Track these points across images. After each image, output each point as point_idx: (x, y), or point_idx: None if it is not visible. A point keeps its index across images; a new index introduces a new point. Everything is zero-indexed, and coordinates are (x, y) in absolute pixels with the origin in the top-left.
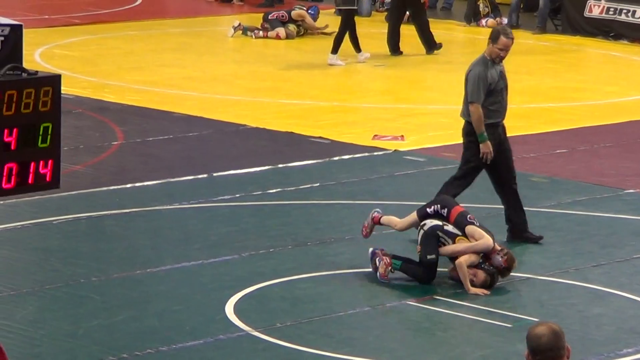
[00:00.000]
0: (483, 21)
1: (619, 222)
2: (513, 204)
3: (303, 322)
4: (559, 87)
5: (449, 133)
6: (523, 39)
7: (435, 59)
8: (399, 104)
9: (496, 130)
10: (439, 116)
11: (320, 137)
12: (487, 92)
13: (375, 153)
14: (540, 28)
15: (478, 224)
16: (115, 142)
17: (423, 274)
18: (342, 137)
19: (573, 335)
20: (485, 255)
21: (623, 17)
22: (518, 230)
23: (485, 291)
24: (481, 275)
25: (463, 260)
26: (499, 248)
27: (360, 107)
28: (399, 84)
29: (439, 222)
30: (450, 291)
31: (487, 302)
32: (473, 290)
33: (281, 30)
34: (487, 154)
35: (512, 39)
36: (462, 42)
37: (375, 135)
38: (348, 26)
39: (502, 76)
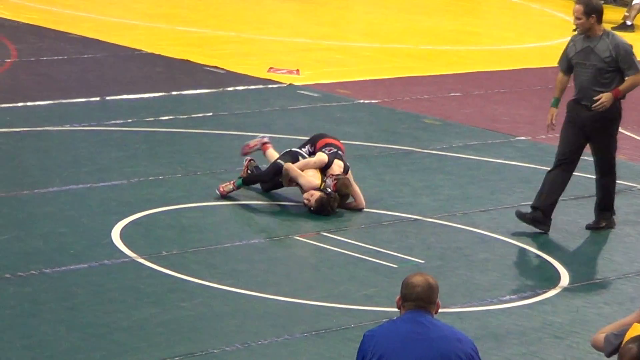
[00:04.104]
0: None
1: (508, 168)
2: None
3: (189, 251)
4: (456, 30)
5: (344, 70)
6: None
7: None
8: (296, 37)
9: None
10: (334, 52)
11: (215, 67)
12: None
13: (270, 86)
14: None
15: (330, 153)
16: (9, 60)
17: (264, 173)
18: (238, 68)
19: (458, 279)
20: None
21: None
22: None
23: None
24: (317, 194)
25: (289, 166)
26: (337, 173)
27: (257, 38)
28: (296, 17)
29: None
30: (337, 228)
31: (374, 241)
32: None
33: None
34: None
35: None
36: None
37: (271, 68)
38: None
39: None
